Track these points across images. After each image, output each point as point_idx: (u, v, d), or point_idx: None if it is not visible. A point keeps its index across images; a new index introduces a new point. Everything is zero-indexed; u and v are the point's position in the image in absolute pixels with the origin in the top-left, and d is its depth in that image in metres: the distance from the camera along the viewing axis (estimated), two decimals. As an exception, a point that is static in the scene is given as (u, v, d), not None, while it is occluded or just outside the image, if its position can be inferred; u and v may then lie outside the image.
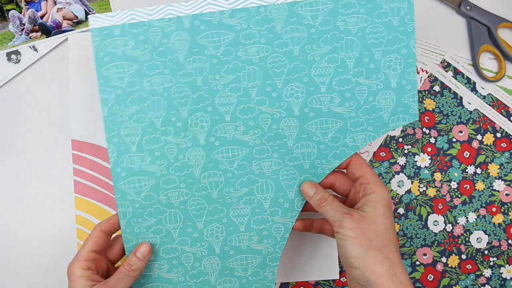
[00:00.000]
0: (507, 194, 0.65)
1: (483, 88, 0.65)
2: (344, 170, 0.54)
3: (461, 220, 0.64)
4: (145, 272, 0.53)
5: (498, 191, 0.65)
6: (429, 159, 0.65)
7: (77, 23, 0.64)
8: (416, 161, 0.64)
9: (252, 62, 0.52)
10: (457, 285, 0.64)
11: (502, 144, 0.65)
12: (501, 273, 0.64)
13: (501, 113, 0.65)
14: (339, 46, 0.51)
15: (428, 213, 0.64)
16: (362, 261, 0.46)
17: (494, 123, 0.65)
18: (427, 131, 0.65)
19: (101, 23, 0.51)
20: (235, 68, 0.52)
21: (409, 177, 0.64)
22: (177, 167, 0.52)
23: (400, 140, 0.65)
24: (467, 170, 0.65)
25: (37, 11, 0.64)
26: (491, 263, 0.64)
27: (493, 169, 0.65)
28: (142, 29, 0.51)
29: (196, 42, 0.51)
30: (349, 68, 0.51)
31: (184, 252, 0.53)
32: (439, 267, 0.64)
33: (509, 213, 0.65)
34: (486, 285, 0.64)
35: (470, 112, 0.65)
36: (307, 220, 0.56)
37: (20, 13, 0.64)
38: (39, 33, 0.64)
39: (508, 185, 0.65)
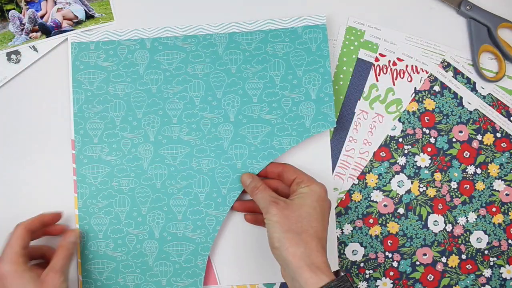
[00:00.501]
0: (507, 194, 0.65)
1: (483, 88, 0.65)
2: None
3: (461, 220, 0.64)
4: (93, 249, 0.61)
5: (498, 191, 0.65)
6: (429, 159, 0.65)
7: (77, 23, 0.64)
8: (416, 161, 0.64)
9: (198, 77, 0.63)
10: (457, 285, 0.64)
11: (502, 144, 0.65)
12: (501, 273, 0.64)
13: (501, 113, 0.65)
14: (268, 66, 0.63)
15: (428, 213, 0.64)
16: (280, 242, 0.51)
17: (494, 123, 0.65)
18: (427, 131, 0.65)
19: (80, 39, 0.63)
20: (184, 81, 0.62)
21: (409, 177, 0.64)
22: (129, 158, 0.62)
23: (400, 140, 0.65)
24: (467, 170, 0.65)
25: (37, 11, 0.64)
26: (491, 263, 0.64)
27: (493, 169, 0.65)
28: (113, 46, 0.63)
29: (154, 58, 0.63)
30: (276, 83, 0.62)
31: (129, 233, 0.61)
32: (439, 267, 0.64)
33: (509, 213, 0.65)
34: (486, 285, 0.64)
35: (470, 112, 0.65)
36: (259, 215, 0.61)
37: (20, 13, 0.64)
38: (39, 33, 0.64)
39: (508, 185, 0.65)
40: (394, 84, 0.65)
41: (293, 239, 0.50)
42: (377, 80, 0.65)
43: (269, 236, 0.52)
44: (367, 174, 0.64)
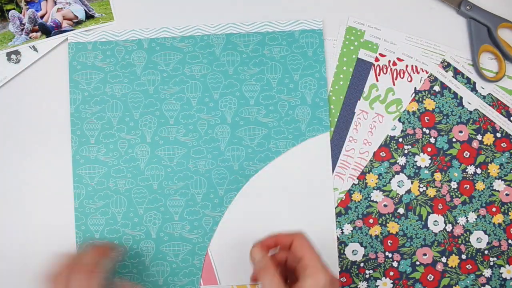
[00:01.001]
0: (507, 194, 0.65)
1: (483, 88, 0.65)
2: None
3: (461, 220, 0.64)
4: None
5: (498, 191, 0.65)
6: (429, 159, 0.65)
7: (77, 23, 0.64)
8: (416, 161, 0.64)
9: (195, 78, 0.63)
10: (457, 285, 0.64)
11: (502, 144, 0.65)
12: (501, 273, 0.64)
13: (501, 113, 0.65)
14: (265, 69, 0.63)
15: (428, 213, 0.64)
16: None
17: (494, 123, 0.65)
18: (427, 131, 0.65)
19: (78, 39, 0.63)
20: (181, 82, 0.63)
21: (409, 177, 0.64)
22: (126, 159, 0.62)
23: (400, 140, 0.65)
24: (467, 170, 0.65)
25: (37, 11, 0.64)
26: (491, 263, 0.64)
27: (493, 169, 0.65)
28: (110, 47, 0.63)
29: (151, 59, 0.63)
30: (273, 86, 0.63)
31: (125, 234, 0.61)
32: (439, 267, 0.64)
33: (509, 213, 0.65)
34: (486, 285, 0.64)
35: (470, 112, 0.65)
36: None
37: (20, 13, 0.64)
38: (39, 33, 0.64)
39: (508, 185, 0.65)
40: (394, 84, 0.65)
41: None
42: (377, 80, 0.65)
43: None
44: (367, 174, 0.64)
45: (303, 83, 0.63)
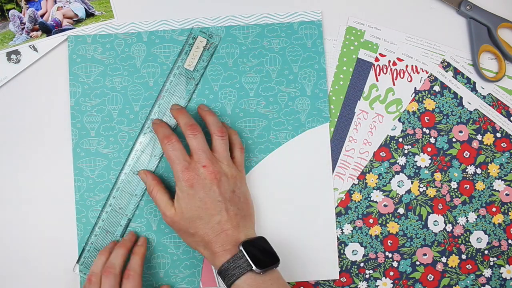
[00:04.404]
0: (507, 194, 0.65)
1: (483, 88, 0.65)
2: None
3: (461, 220, 0.64)
4: (94, 237, 0.61)
5: (498, 191, 0.65)
6: (429, 159, 0.64)
7: (77, 21, 0.64)
8: (416, 161, 0.64)
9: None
10: (457, 285, 0.64)
11: (502, 144, 0.65)
12: (501, 273, 0.64)
13: (501, 113, 0.65)
14: (264, 61, 0.63)
15: (428, 213, 0.64)
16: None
17: (494, 123, 0.65)
18: (427, 131, 0.65)
19: (77, 32, 0.64)
20: None
21: (409, 177, 0.64)
22: (126, 151, 0.62)
23: (400, 140, 0.65)
24: (467, 170, 0.65)
25: (37, 10, 0.64)
26: (491, 263, 0.64)
27: (493, 169, 0.65)
28: (110, 40, 0.63)
29: (151, 52, 0.63)
30: (272, 78, 0.63)
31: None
32: (439, 267, 0.64)
33: (509, 213, 0.65)
34: (486, 285, 0.64)
35: (470, 112, 0.65)
36: None
37: (20, 12, 0.64)
38: (39, 32, 0.64)
39: (508, 185, 0.65)
40: (394, 84, 0.65)
41: None
42: (377, 80, 0.65)
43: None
44: (367, 174, 0.64)
45: (303, 74, 0.63)
